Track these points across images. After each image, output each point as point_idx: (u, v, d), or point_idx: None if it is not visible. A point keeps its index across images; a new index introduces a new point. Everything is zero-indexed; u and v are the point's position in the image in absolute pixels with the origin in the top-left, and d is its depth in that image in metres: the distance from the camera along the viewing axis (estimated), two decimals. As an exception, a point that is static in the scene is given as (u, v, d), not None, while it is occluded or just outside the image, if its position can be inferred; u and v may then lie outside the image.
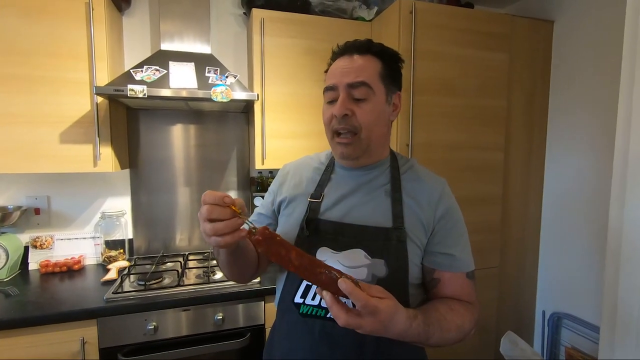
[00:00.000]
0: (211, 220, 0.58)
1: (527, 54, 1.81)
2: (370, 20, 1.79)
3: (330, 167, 0.85)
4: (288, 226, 0.81)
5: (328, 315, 0.71)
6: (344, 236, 0.75)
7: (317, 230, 0.77)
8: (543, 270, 1.95)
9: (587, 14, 1.70)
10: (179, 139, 1.87)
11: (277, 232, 0.80)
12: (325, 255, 0.74)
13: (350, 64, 0.75)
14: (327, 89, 0.77)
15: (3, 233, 1.60)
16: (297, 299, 0.75)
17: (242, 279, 0.86)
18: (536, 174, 1.91)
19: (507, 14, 1.73)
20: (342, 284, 0.56)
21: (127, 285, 1.42)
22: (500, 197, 1.78)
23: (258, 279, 1.47)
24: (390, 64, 0.78)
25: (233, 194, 1.96)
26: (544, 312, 1.92)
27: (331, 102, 0.76)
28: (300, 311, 0.73)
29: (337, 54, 0.79)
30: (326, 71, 0.81)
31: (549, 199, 1.91)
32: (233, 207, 0.58)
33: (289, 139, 1.70)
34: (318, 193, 0.81)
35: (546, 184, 1.92)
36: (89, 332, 1.25)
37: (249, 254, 0.78)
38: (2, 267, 1.51)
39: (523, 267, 1.93)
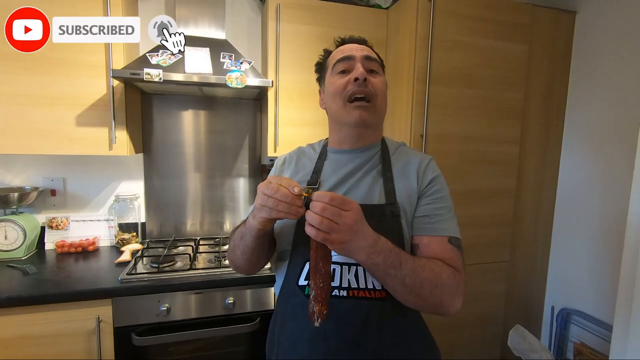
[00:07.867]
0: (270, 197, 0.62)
1: (547, 46, 1.77)
2: (387, 8, 1.76)
3: (323, 154, 0.88)
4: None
5: (333, 293, 0.72)
6: None
7: None
8: (553, 265, 1.93)
9: (611, 6, 1.64)
10: (192, 125, 1.87)
11: (278, 223, 0.80)
12: None
13: (361, 47, 0.84)
14: (341, 60, 0.81)
15: (21, 213, 1.63)
16: (302, 282, 0.76)
17: (253, 268, 0.86)
18: (551, 168, 1.88)
19: (529, 3, 1.68)
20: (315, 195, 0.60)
21: (140, 267, 1.44)
22: (514, 190, 1.75)
23: (269, 265, 1.48)
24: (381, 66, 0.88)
25: (244, 181, 1.97)
26: (552, 308, 1.91)
27: (343, 72, 0.81)
28: (306, 293, 0.75)
29: (340, 44, 0.88)
30: (320, 63, 0.91)
31: (562, 194, 1.88)
32: (303, 194, 0.62)
33: (302, 126, 1.69)
34: (314, 180, 0.83)
35: (560, 178, 1.89)
36: (104, 311, 1.28)
37: (267, 246, 0.81)
38: (20, 245, 1.55)
39: (533, 262, 1.91)
